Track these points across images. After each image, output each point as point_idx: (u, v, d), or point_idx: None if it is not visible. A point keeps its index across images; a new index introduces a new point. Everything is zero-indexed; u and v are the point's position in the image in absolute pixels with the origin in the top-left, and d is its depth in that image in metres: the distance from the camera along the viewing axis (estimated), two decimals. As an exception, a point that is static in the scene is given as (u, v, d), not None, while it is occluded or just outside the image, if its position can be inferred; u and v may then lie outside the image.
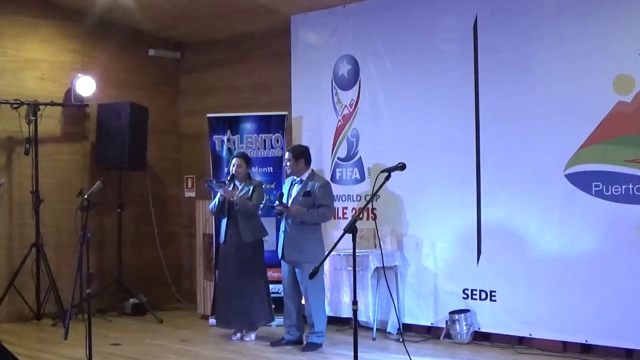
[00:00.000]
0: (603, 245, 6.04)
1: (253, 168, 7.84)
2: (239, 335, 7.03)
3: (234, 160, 6.95)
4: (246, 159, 6.98)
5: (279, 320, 7.28)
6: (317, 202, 6.57)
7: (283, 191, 6.76)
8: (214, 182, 6.99)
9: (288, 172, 6.85)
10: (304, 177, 6.70)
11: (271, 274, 7.38)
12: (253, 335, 6.99)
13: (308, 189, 6.62)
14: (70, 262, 7.74)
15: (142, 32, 9.09)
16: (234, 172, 6.91)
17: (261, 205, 6.95)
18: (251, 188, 6.83)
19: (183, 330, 7.30)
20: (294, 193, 6.70)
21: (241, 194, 6.84)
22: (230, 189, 6.85)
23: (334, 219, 7.63)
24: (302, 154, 6.71)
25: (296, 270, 6.64)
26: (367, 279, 7.01)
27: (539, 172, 6.37)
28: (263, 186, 7.13)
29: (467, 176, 6.77)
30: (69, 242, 7.95)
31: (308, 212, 6.54)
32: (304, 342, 6.66)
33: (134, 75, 9.12)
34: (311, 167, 6.81)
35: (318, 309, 6.62)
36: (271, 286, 7.27)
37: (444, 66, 6.97)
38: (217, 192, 6.89)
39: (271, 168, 7.91)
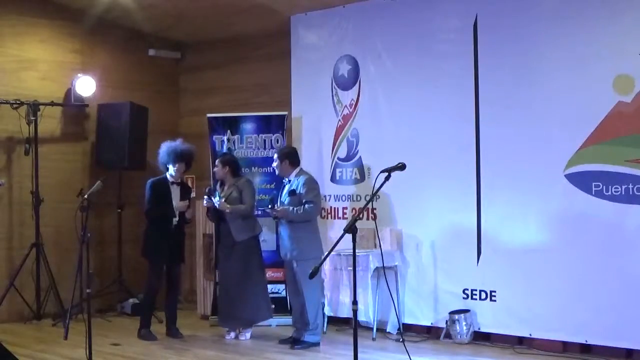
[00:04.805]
0: (603, 245, 6.03)
1: (253, 168, 7.86)
2: (232, 334, 7.03)
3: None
4: (223, 162, 7.02)
5: (278, 319, 7.28)
6: (303, 199, 6.63)
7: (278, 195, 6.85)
8: (209, 197, 6.99)
9: (277, 174, 6.97)
10: (291, 177, 6.78)
11: (270, 274, 7.42)
12: (248, 334, 7.00)
13: (292, 188, 6.70)
14: (70, 262, 7.73)
15: (142, 32, 9.09)
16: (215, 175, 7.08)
17: (255, 203, 6.99)
18: (238, 189, 6.89)
19: (183, 330, 7.29)
20: (283, 194, 6.79)
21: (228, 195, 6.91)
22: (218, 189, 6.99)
23: (334, 219, 7.64)
24: (286, 155, 6.80)
25: (293, 267, 6.67)
26: (367, 279, 7.01)
27: (539, 172, 6.37)
28: (252, 183, 7.15)
29: (467, 176, 6.77)
30: (69, 242, 7.94)
31: (293, 211, 6.59)
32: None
33: (134, 75, 9.12)
34: (300, 167, 6.85)
35: (312, 305, 6.63)
36: (270, 286, 7.29)
37: (444, 66, 6.97)
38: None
39: (271, 168, 7.88)
